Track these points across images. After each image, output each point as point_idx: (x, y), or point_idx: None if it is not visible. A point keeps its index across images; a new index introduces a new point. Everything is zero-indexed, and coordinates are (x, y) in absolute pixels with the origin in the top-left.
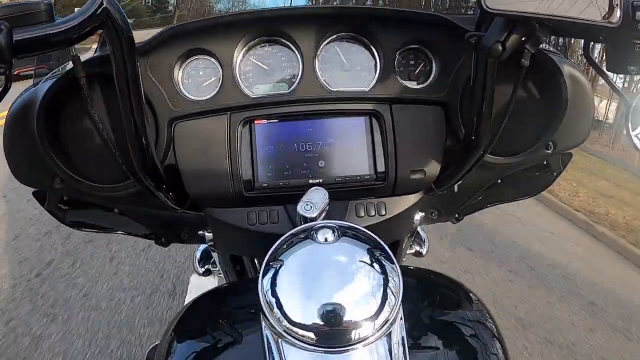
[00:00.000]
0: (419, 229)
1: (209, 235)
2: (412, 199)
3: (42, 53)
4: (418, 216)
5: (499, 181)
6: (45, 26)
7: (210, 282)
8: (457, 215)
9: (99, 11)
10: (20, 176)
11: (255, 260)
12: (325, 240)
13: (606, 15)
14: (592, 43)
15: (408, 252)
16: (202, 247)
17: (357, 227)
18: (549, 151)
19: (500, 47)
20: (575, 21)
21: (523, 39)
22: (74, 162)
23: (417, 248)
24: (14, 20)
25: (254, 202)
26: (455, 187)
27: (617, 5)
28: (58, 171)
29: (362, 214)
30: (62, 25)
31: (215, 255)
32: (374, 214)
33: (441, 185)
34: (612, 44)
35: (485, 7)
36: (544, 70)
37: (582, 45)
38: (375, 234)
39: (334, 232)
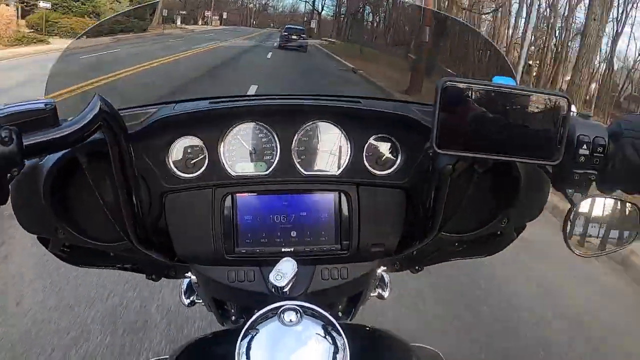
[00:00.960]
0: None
1: (193, 278)
2: (372, 264)
3: (50, 153)
4: (380, 269)
5: (456, 243)
6: (51, 130)
7: None
8: (417, 267)
9: (98, 116)
10: (27, 226)
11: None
12: (290, 321)
13: (548, 155)
14: None
15: (372, 294)
16: (187, 280)
17: (315, 308)
18: (502, 225)
19: (450, 169)
20: (519, 161)
21: (472, 163)
22: (76, 221)
23: (380, 291)
24: (22, 125)
25: (234, 263)
26: (414, 252)
27: (560, 146)
28: (61, 229)
29: (327, 277)
30: (67, 129)
31: (199, 291)
32: (337, 277)
33: (399, 252)
34: (554, 172)
35: (436, 149)
36: (501, 169)
37: None
38: (339, 291)
39: (297, 313)
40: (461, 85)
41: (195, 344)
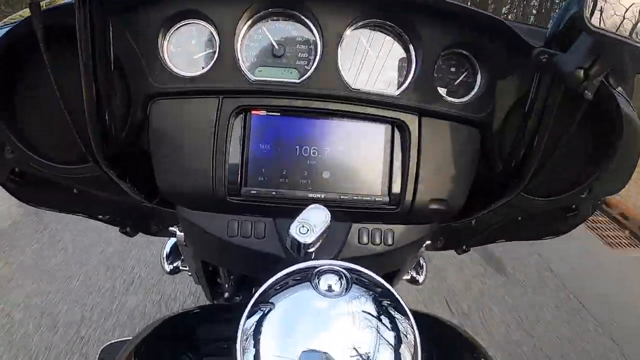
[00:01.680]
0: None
1: (180, 234)
2: (423, 229)
3: None
4: (424, 245)
5: (519, 217)
6: None
7: None
8: (464, 247)
9: None
10: None
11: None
12: (329, 288)
13: None
14: None
15: (404, 277)
16: (173, 240)
17: (369, 273)
18: (583, 196)
19: (582, 75)
20: None
21: (609, 70)
22: (26, 132)
23: (414, 275)
24: None
25: (238, 210)
26: (473, 221)
27: None
28: (7, 141)
29: (366, 240)
30: None
31: (185, 254)
32: (379, 242)
33: (461, 218)
34: None
35: (588, 24)
36: (602, 110)
37: None
38: (375, 264)
39: (340, 278)
40: None
41: (169, 322)
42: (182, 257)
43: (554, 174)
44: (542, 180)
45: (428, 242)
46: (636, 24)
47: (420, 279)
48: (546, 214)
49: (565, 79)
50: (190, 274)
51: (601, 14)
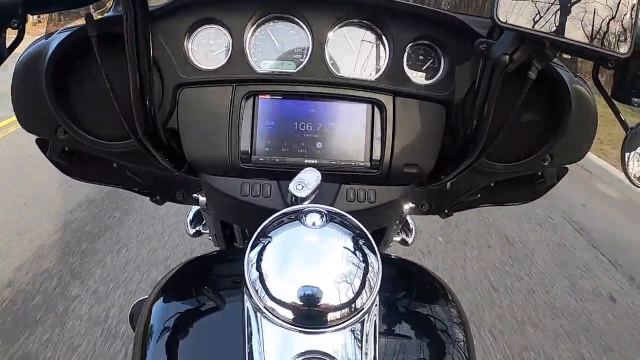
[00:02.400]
0: (408, 218)
1: (202, 199)
2: (402, 190)
3: (56, 11)
4: (407, 206)
5: (492, 184)
6: None
7: None
8: (446, 211)
9: None
10: (25, 123)
11: (245, 230)
12: (313, 224)
13: (617, 46)
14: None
15: (395, 239)
16: (195, 208)
17: (345, 214)
18: (545, 163)
19: (507, 60)
20: (585, 47)
21: (532, 54)
22: (78, 115)
23: (404, 237)
24: None
25: (249, 174)
26: (448, 184)
27: (630, 37)
28: (62, 123)
29: (352, 198)
30: None
31: (207, 218)
32: (363, 199)
33: (433, 181)
34: (621, 73)
35: (496, 20)
36: (550, 83)
37: (592, 67)
38: (362, 220)
39: (322, 217)
40: None
41: (187, 267)
42: (204, 222)
43: (514, 143)
44: (502, 148)
45: (412, 205)
46: (537, 17)
47: (409, 240)
48: (517, 181)
49: (495, 63)
50: (210, 237)
51: (507, 10)
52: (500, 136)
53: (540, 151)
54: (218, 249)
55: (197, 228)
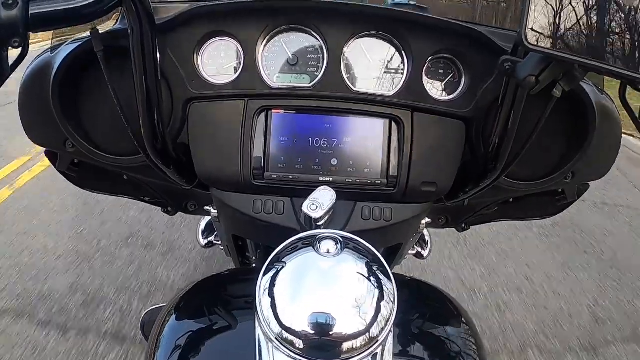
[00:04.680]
0: (424, 231)
1: (214, 212)
2: (419, 207)
3: (59, 28)
4: (424, 221)
5: (511, 200)
6: (64, 1)
7: None
8: (463, 225)
9: None
10: (33, 136)
11: (259, 244)
12: (328, 251)
13: None
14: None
15: (410, 252)
16: (207, 218)
17: (359, 240)
18: (567, 180)
19: (534, 82)
20: (615, 70)
21: (559, 76)
22: (86, 130)
23: (419, 249)
24: None
25: (261, 191)
26: (466, 201)
27: None
28: (70, 137)
29: (368, 216)
30: (81, 1)
31: (218, 229)
32: (379, 218)
33: (452, 198)
34: None
35: (525, 42)
36: (574, 99)
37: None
38: (377, 238)
39: (336, 244)
40: None
41: (201, 285)
42: (215, 233)
43: (536, 160)
44: (524, 165)
45: (429, 220)
46: (566, 38)
47: (425, 253)
48: (537, 197)
49: (520, 84)
50: (222, 248)
51: (537, 32)
52: (523, 154)
53: (562, 169)
54: (231, 262)
55: (209, 239)
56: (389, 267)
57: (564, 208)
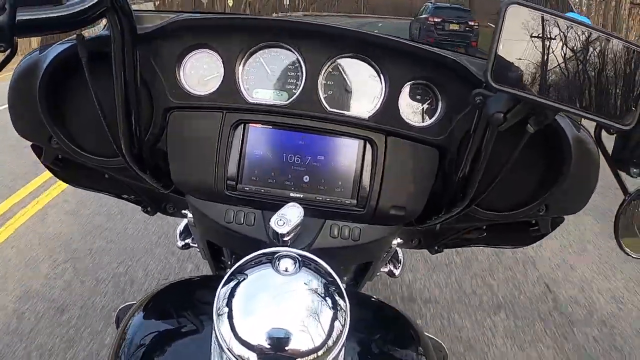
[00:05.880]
0: (397, 249)
1: (190, 217)
2: (389, 229)
3: (45, 34)
4: (396, 241)
5: (484, 227)
6: (50, 8)
7: None
8: (437, 247)
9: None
10: (20, 130)
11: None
12: (286, 270)
13: (620, 115)
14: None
15: (383, 269)
16: (185, 221)
17: (318, 261)
18: (540, 213)
19: (501, 118)
20: (585, 114)
21: (529, 115)
22: (70, 129)
23: (392, 267)
24: None
25: (234, 202)
26: (437, 226)
27: (635, 108)
28: (54, 135)
29: (336, 235)
30: (68, 9)
31: (194, 233)
32: (347, 237)
33: (422, 222)
34: (622, 139)
35: (490, 80)
36: (551, 133)
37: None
38: (345, 256)
39: (295, 263)
40: (530, 11)
41: (168, 289)
42: (193, 236)
43: (509, 192)
44: (496, 196)
45: (401, 240)
46: (533, 81)
47: (397, 272)
48: (511, 226)
49: (489, 120)
50: (198, 250)
51: (505, 71)
52: (493, 186)
53: (535, 202)
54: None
55: (186, 241)
56: (360, 284)
57: (538, 239)
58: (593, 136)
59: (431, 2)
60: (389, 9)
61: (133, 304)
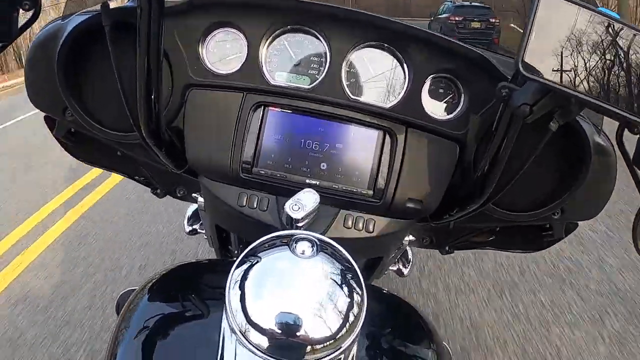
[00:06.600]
0: (407, 248)
1: (201, 200)
2: (402, 223)
3: None
4: (408, 238)
5: (497, 228)
6: None
7: None
8: (447, 248)
9: None
10: (35, 100)
11: (241, 237)
12: (303, 252)
13: None
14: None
15: (391, 268)
16: (194, 206)
17: (336, 246)
18: (555, 217)
19: (527, 111)
20: (613, 110)
21: (555, 108)
22: (86, 101)
23: (401, 266)
24: None
25: (248, 185)
26: (451, 223)
27: None
28: (70, 107)
29: (350, 225)
30: None
31: (203, 218)
32: (361, 228)
33: (437, 219)
34: None
35: (522, 70)
36: (571, 137)
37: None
38: (357, 248)
39: (312, 246)
40: (563, 2)
41: (176, 271)
42: (201, 222)
43: (526, 192)
44: (513, 195)
45: (413, 238)
46: (566, 70)
47: (405, 271)
48: (524, 230)
49: (514, 112)
50: (206, 237)
51: (536, 61)
52: (511, 185)
53: (551, 204)
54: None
55: (194, 226)
56: (368, 279)
57: (550, 245)
58: (614, 138)
59: (450, 2)
60: (381, 9)
61: (134, 289)
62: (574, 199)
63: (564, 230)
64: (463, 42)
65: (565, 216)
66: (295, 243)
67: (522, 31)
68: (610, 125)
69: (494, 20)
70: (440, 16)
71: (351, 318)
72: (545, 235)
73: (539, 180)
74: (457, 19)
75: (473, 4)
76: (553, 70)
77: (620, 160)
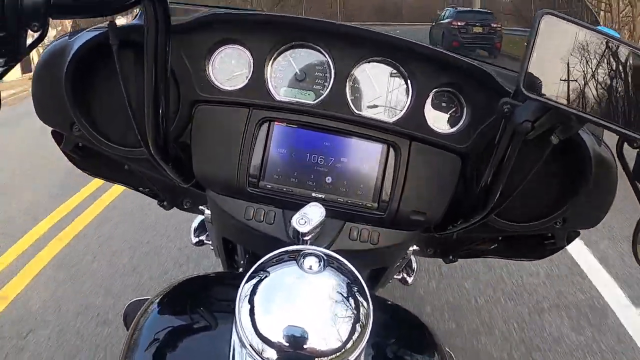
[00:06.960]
0: (411, 257)
1: (208, 212)
2: (407, 235)
3: (79, 17)
4: (412, 248)
5: (500, 237)
6: None
7: None
8: (451, 257)
9: None
10: (42, 116)
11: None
12: (310, 268)
13: None
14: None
15: (395, 277)
16: (200, 217)
17: (343, 260)
18: (557, 226)
19: (529, 127)
20: (613, 126)
21: (556, 124)
22: (93, 117)
23: (405, 275)
24: None
25: (255, 198)
26: (455, 234)
27: None
28: (77, 122)
29: (355, 237)
30: None
31: (210, 230)
32: (366, 240)
33: (440, 230)
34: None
35: (523, 89)
36: (572, 147)
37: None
38: (362, 259)
39: (319, 261)
40: (564, 22)
41: (186, 283)
42: (207, 233)
43: (527, 203)
44: (515, 207)
45: (416, 248)
46: (563, 91)
47: (410, 280)
48: (526, 238)
49: (516, 128)
50: (212, 248)
51: (537, 79)
52: (513, 197)
53: (553, 215)
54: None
55: (200, 237)
56: (373, 289)
57: (553, 253)
58: (615, 150)
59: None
60: (369, 14)
61: (141, 299)
62: (575, 209)
63: (566, 239)
64: (466, 46)
65: (567, 225)
66: (303, 259)
67: (515, 32)
68: (611, 136)
69: (495, 25)
70: (442, 21)
71: (358, 330)
72: (547, 244)
73: (540, 191)
74: (459, 24)
75: (474, 9)
76: (554, 88)
77: (620, 169)
